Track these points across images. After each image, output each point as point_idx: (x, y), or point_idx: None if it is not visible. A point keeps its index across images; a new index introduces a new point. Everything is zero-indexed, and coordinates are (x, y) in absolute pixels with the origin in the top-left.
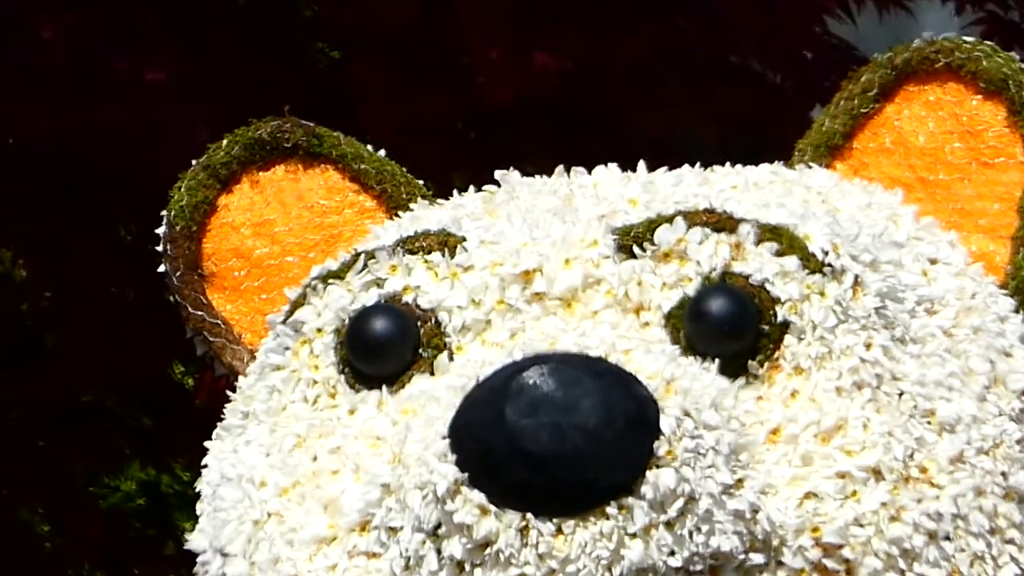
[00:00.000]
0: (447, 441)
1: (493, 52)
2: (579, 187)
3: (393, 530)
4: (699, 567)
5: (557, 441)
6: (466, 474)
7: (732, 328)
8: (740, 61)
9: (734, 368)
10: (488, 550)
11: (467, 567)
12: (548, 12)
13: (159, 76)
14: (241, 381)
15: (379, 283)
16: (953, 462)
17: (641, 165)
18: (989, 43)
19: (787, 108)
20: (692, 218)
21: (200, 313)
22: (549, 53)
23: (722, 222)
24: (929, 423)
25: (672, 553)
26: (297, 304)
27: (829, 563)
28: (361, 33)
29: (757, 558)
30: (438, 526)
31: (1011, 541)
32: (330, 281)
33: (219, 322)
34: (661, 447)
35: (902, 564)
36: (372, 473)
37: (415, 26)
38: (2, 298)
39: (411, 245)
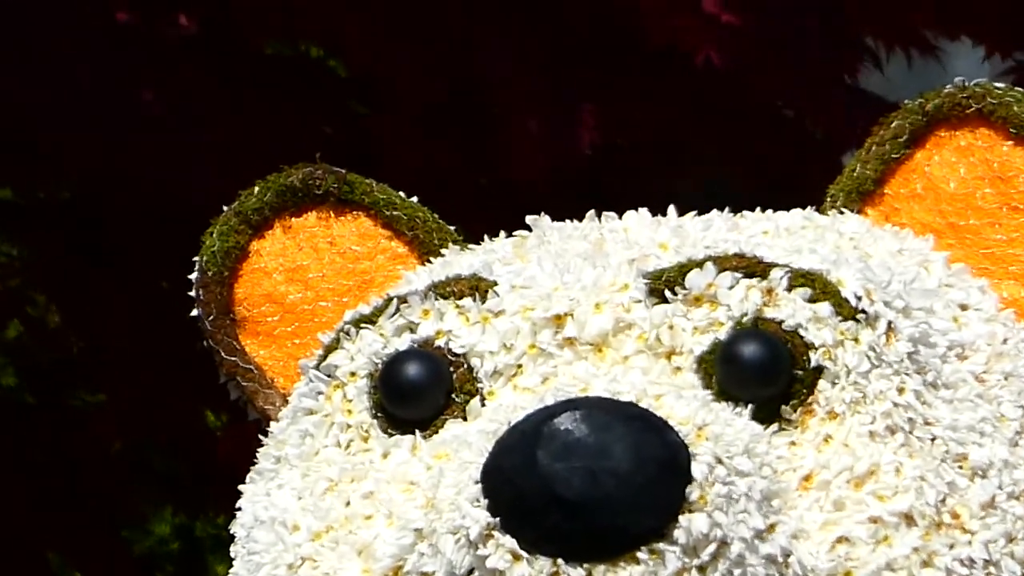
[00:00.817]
0: (480, 486)
1: (530, 124)
2: (609, 231)
3: (426, 575)
4: None
5: (589, 486)
6: (498, 519)
7: (765, 373)
8: (771, 110)
9: (767, 413)
10: None
11: None
12: (578, 81)
13: (196, 129)
14: (274, 426)
15: (412, 328)
16: (985, 507)
17: (671, 210)
18: (1019, 89)
19: (818, 154)
20: (722, 263)
21: (233, 358)
22: (579, 128)
23: (753, 267)
24: (961, 468)
25: None
26: (330, 349)
27: None
28: (392, 94)
29: None
30: (471, 571)
31: None
32: (363, 326)
33: (252, 367)
34: (693, 492)
35: None
36: (405, 518)
37: (444, 90)
38: (35, 344)
39: (443, 290)
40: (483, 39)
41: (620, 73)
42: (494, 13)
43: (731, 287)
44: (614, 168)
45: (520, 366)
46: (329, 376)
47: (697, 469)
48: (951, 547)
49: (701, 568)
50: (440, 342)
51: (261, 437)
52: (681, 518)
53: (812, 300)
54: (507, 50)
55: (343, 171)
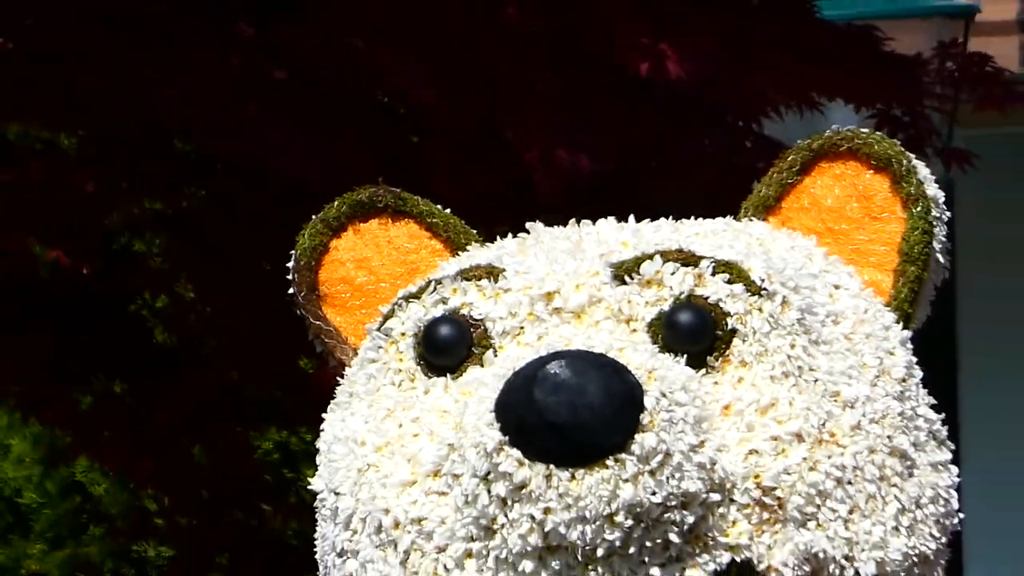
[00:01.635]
0: (493, 414)
1: (547, 150)
2: (586, 234)
3: (456, 476)
4: (673, 503)
5: (572, 414)
6: (507, 437)
7: (696, 334)
8: (704, 151)
9: (697, 362)
10: (524, 490)
11: (508, 502)
12: (589, 117)
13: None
14: (347, 371)
15: (444, 301)
16: (853, 429)
17: (631, 218)
18: (879, 133)
19: (736, 180)
20: (667, 256)
21: (318, 323)
22: (588, 154)
23: (688, 259)
24: (835, 401)
25: (654, 493)
26: (387, 316)
27: (766, 500)
28: (434, 124)
29: (715, 496)
30: (488, 473)
31: (895, 485)
32: (411, 300)
33: (331, 329)
34: (645, 418)
35: (817, 501)
36: (441, 436)
37: (478, 121)
38: (177, 311)
39: (467, 274)
40: (509, 86)
41: (605, 112)
42: (516, 63)
43: (672, 273)
44: (600, 186)
45: (522, 328)
46: (386, 335)
47: (648, 401)
48: (829, 457)
49: (652, 472)
50: (464, 311)
51: (338, 379)
52: (637, 436)
53: (729, 282)
54: (527, 93)
55: (398, 190)
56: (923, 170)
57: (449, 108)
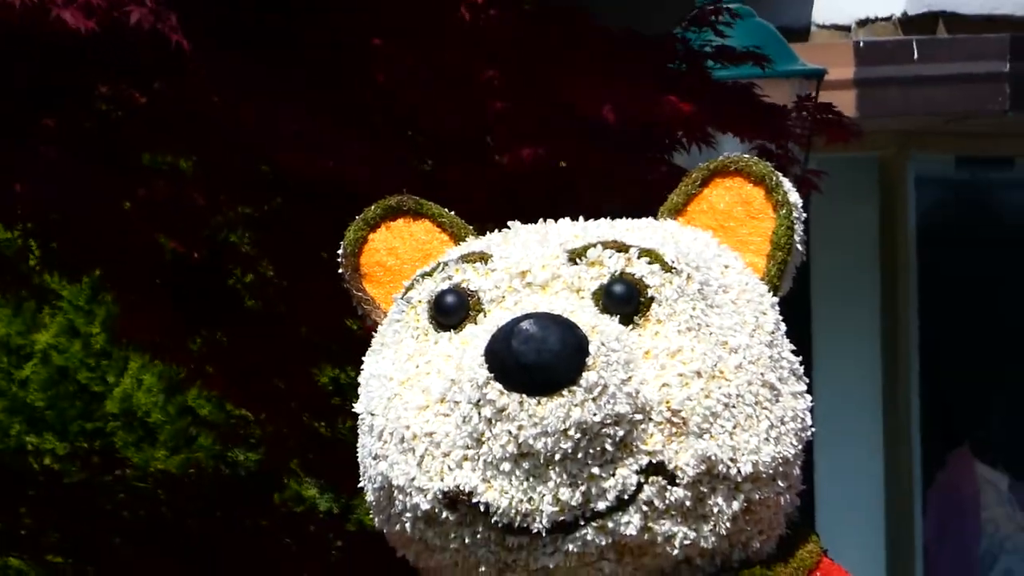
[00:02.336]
0: (483, 358)
1: (523, 153)
2: (550, 229)
3: (456, 402)
4: (609, 421)
5: (538, 358)
6: (492, 375)
7: (625, 300)
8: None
9: (626, 321)
10: (503, 413)
11: (493, 421)
12: (556, 131)
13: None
14: (379, 327)
15: (450, 277)
16: (736, 368)
17: (581, 219)
18: (756, 158)
19: (655, 194)
20: (606, 245)
21: (360, 294)
22: (555, 158)
23: (621, 247)
24: (724, 347)
25: (595, 414)
26: (409, 288)
27: (674, 419)
28: (442, 142)
29: (638, 416)
30: (479, 400)
31: (765, 408)
32: (425, 277)
33: (369, 299)
34: (590, 360)
35: (710, 419)
36: (446, 374)
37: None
38: (261, 283)
39: (466, 258)
40: (499, 119)
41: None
42: (503, 104)
43: (610, 257)
44: (559, 197)
45: (504, 297)
46: (408, 302)
47: (592, 348)
48: (719, 388)
49: (594, 399)
50: (464, 285)
51: (374, 333)
52: (584, 374)
53: (650, 263)
54: (508, 122)
55: (417, 197)
56: (787, 184)
57: (455, 133)
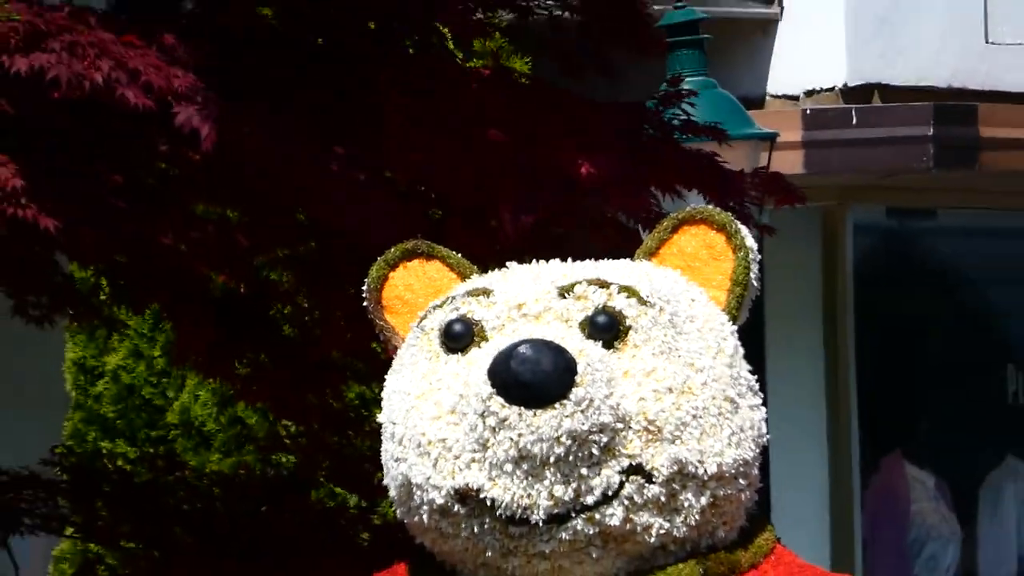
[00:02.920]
0: (487, 376)
1: (506, 212)
2: (543, 268)
3: (465, 413)
4: (595, 430)
5: (533, 377)
6: (495, 390)
7: (607, 328)
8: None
9: (608, 345)
10: (505, 423)
11: (496, 430)
12: (536, 184)
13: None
14: (399, 351)
15: (457, 309)
16: (702, 385)
17: (569, 260)
18: (718, 209)
19: (633, 238)
20: (591, 282)
21: (382, 323)
22: (533, 213)
23: (603, 283)
24: (691, 368)
25: (583, 424)
26: (423, 318)
27: (650, 428)
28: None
29: (619, 425)
30: (483, 412)
31: (727, 419)
32: (437, 308)
33: (390, 327)
34: (578, 378)
35: (681, 428)
36: (455, 389)
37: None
38: (299, 312)
39: (471, 293)
40: (493, 182)
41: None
42: (495, 168)
43: (594, 292)
44: (550, 243)
45: (503, 326)
46: (422, 330)
47: (579, 368)
48: (688, 402)
49: (582, 411)
50: (469, 315)
51: (393, 356)
52: (573, 390)
53: (628, 298)
54: (502, 183)
55: (430, 242)
56: (744, 230)
57: (458, 196)
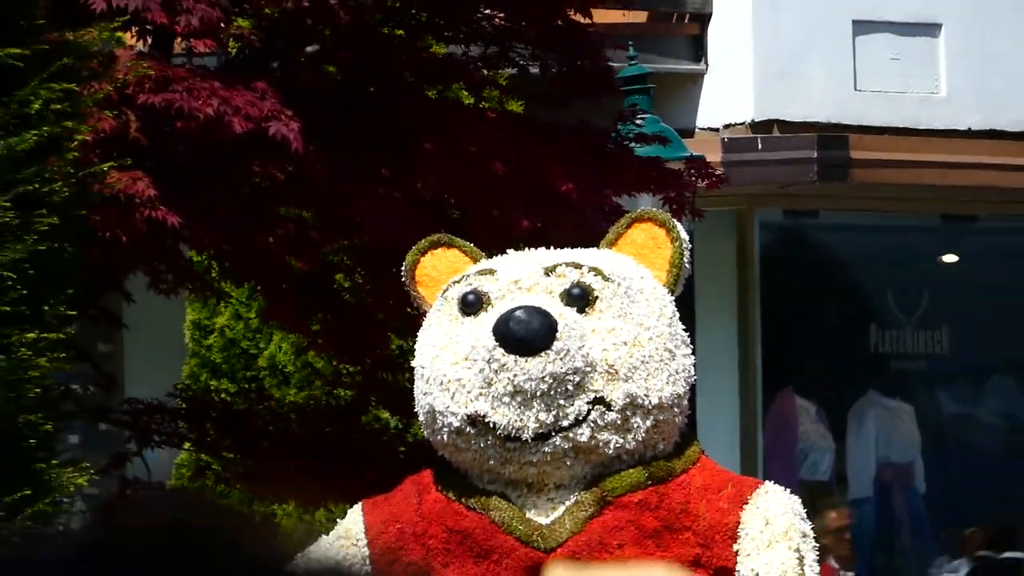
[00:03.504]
0: (492, 333)
1: (517, 214)
2: (533, 254)
3: (475, 360)
4: (570, 372)
5: (526, 333)
6: (497, 343)
7: (580, 299)
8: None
9: (581, 311)
10: (504, 366)
11: (498, 372)
12: (531, 197)
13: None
14: (428, 314)
15: (470, 284)
16: (648, 339)
17: (552, 248)
18: (661, 211)
19: (599, 232)
20: (568, 264)
21: (415, 294)
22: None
23: (576, 264)
24: (641, 327)
25: (562, 368)
26: (445, 290)
27: (610, 371)
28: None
29: (588, 369)
30: (489, 359)
31: (667, 364)
32: (455, 283)
33: (421, 297)
34: (558, 334)
35: (632, 370)
36: (468, 342)
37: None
38: (356, 289)
39: (480, 272)
40: (503, 196)
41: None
42: (500, 191)
43: (571, 271)
44: (540, 239)
45: (504, 296)
46: (445, 299)
47: (559, 327)
48: (638, 351)
49: (561, 359)
50: (480, 288)
51: (424, 318)
52: (554, 343)
53: (595, 275)
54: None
55: (450, 235)
56: (680, 227)
57: (472, 206)
